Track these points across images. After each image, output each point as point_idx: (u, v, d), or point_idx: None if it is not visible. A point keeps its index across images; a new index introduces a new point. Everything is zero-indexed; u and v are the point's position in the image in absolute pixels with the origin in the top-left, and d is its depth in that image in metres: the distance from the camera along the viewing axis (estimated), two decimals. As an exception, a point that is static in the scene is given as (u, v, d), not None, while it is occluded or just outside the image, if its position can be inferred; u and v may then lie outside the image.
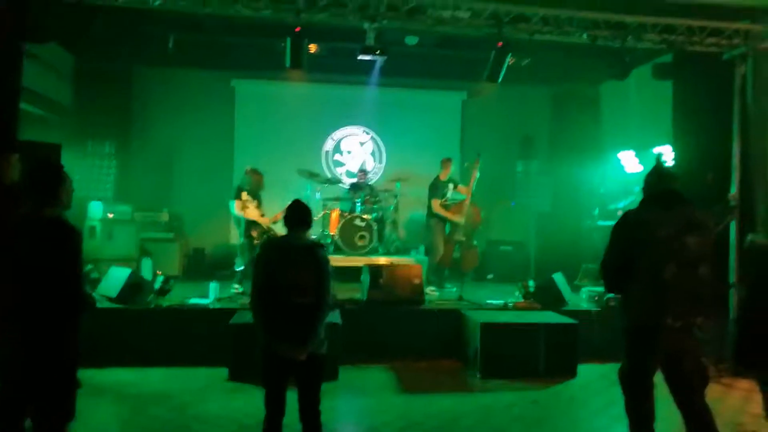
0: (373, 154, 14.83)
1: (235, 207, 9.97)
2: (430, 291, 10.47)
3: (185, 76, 13.73)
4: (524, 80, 13.11)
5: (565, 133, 14.37)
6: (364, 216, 12.00)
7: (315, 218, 8.33)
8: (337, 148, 14.76)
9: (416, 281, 9.59)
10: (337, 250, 11.80)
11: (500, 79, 9.71)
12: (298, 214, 5.36)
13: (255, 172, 10.35)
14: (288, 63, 9.31)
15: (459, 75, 13.48)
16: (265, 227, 10.09)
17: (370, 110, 14.30)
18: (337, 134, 14.77)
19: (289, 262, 5.08)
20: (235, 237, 10.98)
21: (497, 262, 13.82)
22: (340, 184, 13.38)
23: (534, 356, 8.54)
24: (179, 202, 13.64)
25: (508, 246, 14.15)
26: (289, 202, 5.49)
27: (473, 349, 8.58)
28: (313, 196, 12.52)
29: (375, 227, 11.94)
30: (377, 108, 14.31)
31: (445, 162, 11.20)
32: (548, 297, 9.94)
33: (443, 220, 10.93)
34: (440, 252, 11.01)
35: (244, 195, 10.02)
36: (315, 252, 5.18)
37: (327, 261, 5.19)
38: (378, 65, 13.05)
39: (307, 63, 9.68)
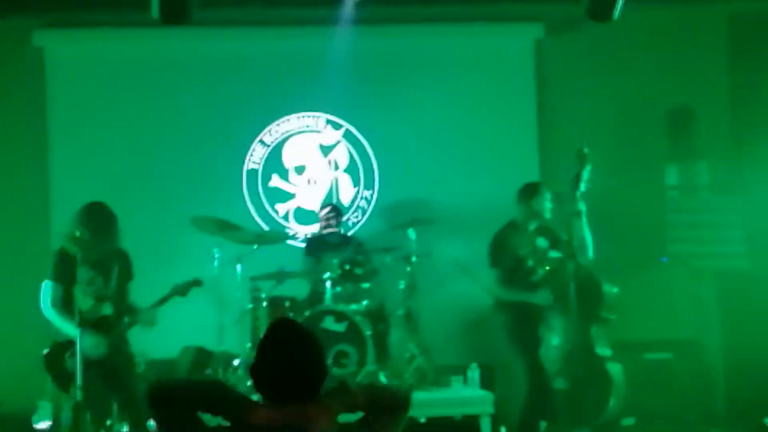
0: (350, 169, 10.51)
1: (49, 299, 6.90)
2: None
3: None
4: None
5: (764, 100, 10.09)
6: (342, 310, 8.76)
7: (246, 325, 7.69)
8: (273, 163, 10.40)
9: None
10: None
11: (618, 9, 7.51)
12: (295, 370, 3.17)
13: (96, 210, 7.11)
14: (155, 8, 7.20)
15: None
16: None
17: (341, 79, 10.00)
18: (273, 133, 10.37)
19: None
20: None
21: (642, 390, 9.23)
22: (287, 242, 9.71)
23: None
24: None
25: (662, 353, 9.89)
26: (265, 328, 3.36)
27: None
28: (230, 271, 8.92)
29: (368, 332, 8.56)
30: (356, 74, 9.98)
31: (529, 191, 8.02)
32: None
33: (529, 312, 7.85)
34: (529, 380, 7.87)
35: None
36: None
37: None
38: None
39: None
